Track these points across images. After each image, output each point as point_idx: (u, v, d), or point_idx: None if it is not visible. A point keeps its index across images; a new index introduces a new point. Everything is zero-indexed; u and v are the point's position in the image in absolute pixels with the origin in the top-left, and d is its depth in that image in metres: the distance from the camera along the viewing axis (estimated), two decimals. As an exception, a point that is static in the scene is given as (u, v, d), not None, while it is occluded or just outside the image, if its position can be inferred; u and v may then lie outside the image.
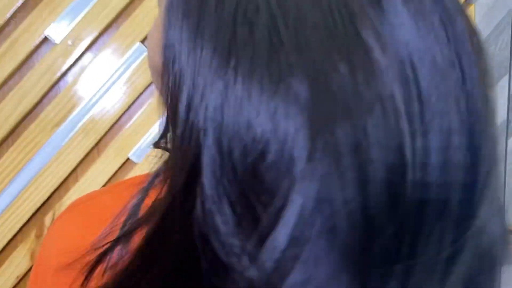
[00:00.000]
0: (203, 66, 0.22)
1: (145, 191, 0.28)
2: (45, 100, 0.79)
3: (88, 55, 0.80)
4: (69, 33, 0.78)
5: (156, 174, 0.28)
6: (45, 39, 0.78)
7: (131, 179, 0.39)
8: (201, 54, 0.22)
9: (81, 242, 0.29)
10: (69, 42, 0.78)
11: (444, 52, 0.21)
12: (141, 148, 0.79)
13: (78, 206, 0.35)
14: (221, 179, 0.21)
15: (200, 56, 0.22)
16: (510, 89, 0.82)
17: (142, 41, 0.80)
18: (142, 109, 0.80)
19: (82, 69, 0.80)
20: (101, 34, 0.79)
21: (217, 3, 0.22)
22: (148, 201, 0.26)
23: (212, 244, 0.21)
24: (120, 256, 0.25)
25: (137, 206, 0.28)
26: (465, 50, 0.22)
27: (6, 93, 0.77)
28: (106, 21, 0.79)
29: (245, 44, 0.21)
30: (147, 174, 0.29)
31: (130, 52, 0.80)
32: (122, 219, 0.28)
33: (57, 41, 0.78)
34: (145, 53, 0.77)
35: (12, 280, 0.77)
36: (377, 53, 0.20)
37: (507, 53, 0.83)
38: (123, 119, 0.81)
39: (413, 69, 0.20)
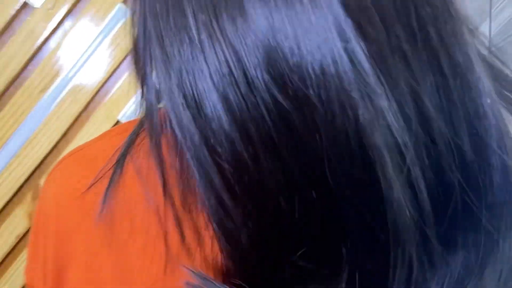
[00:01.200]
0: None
1: (135, 135, 0.32)
2: (29, 67, 0.80)
3: (70, 19, 0.80)
4: None
5: (141, 123, 0.31)
6: (25, 4, 0.78)
7: (118, 126, 0.41)
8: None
9: (79, 186, 0.33)
10: (49, 6, 0.78)
11: None
12: (131, 110, 0.82)
13: (73, 154, 0.38)
14: None
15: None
16: (490, 35, 0.86)
17: (124, 2, 0.80)
18: (129, 71, 0.82)
19: (65, 33, 0.80)
20: None
21: None
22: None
23: None
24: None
25: (128, 145, 0.31)
26: None
27: None
28: None
29: None
30: (133, 121, 0.32)
31: (112, 13, 0.81)
32: (114, 159, 0.31)
33: (37, 5, 0.78)
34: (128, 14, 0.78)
35: (12, 240, 0.81)
36: None
37: None
38: (110, 81, 0.83)
39: None
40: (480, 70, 0.26)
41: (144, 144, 0.31)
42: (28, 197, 0.81)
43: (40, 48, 0.80)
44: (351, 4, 0.22)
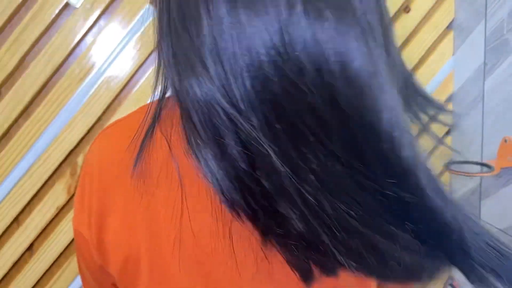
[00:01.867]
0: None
1: (160, 104, 0.39)
2: (70, 59, 0.90)
3: (104, 18, 0.90)
4: None
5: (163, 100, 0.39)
6: (66, 4, 0.88)
7: (148, 104, 0.47)
8: None
9: (119, 147, 0.40)
10: (88, 6, 0.89)
11: None
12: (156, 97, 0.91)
13: (115, 124, 0.45)
14: None
15: None
16: (486, 33, 0.93)
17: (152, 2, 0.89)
18: (154, 64, 0.92)
19: (100, 30, 0.90)
20: None
21: None
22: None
23: None
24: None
25: (155, 116, 0.39)
26: None
27: (37, 53, 0.88)
28: None
29: None
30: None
31: (141, 13, 0.90)
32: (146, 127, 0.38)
33: (77, 5, 0.88)
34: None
35: (53, 211, 0.93)
36: None
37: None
38: (139, 72, 0.92)
39: None
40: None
41: (168, 115, 0.39)
42: (67, 173, 0.92)
43: (78, 43, 0.90)
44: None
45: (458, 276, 1.09)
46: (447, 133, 1.06)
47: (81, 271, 0.51)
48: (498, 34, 0.87)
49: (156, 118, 0.38)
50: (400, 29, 0.99)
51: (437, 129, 0.95)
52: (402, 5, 0.98)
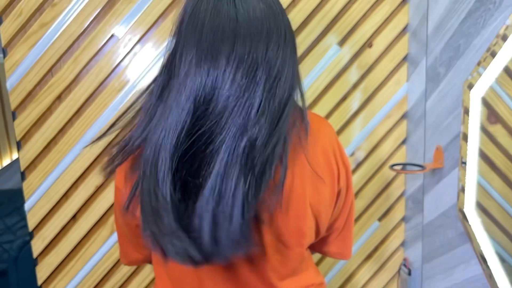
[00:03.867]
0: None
1: None
2: (111, 75, 1.20)
3: (139, 45, 1.20)
4: (127, 31, 1.19)
5: None
6: (112, 35, 1.19)
7: None
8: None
9: None
10: (127, 37, 1.20)
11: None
12: None
13: None
14: None
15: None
16: (426, 66, 1.18)
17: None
18: None
19: (135, 55, 1.21)
20: (147, 31, 1.19)
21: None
22: None
23: None
24: None
25: None
26: None
27: (89, 71, 1.18)
28: (151, 22, 1.18)
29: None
30: None
31: (165, 43, 1.19)
32: None
33: (120, 36, 1.20)
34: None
35: (91, 190, 1.22)
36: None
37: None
38: None
39: None
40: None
41: None
42: (106, 159, 1.21)
43: (118, 64, 1.20)
44: None
45: (410, 256, 1.35)
46: (403, 142, 1.33)
47: (116, 218, 0.72)
48: (434, 67, 1.14)
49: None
50: (365, 60, 1.26)
51: (396, 139, 1.21)
52: (366, 41, 1.26)
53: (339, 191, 0.70)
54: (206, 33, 0.52)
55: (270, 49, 0.53)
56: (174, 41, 0.57)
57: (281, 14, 0.58)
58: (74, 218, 1.24)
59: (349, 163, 0.72)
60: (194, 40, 0.52)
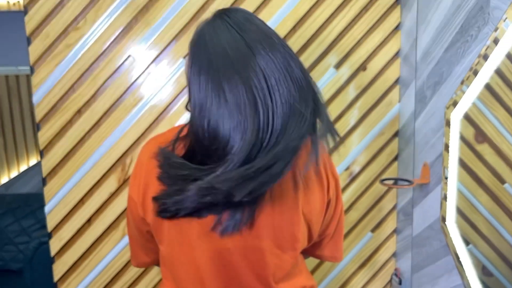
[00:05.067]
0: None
1: (180, 132, 0.67)
2: (127, 92, 1.30)
3: (153, 65, 1.30)
4: (143, 52, 1.29)
5: (183, 127, 0.68)
6: (129, 56, 1.30)
7: (177, 126, 0.74)
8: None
9: (156, 150, 0.66)
10: (142, 59, 1.30)
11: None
12: (183, 121, 1.29)
13: (155, 137, 0.74)
14: None
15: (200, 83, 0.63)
16: (416, 88, 1.26)
17: (184, 57, 1.28)
18: (183, 99, 1.33)
19: (149, 74, 1.31)
20: (161, 52, 1.29)
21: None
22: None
23: None
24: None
25: (178, 134, 0.67)
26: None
27: (106, 88, 1.29)
28: (165, 44, 1.28)
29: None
30: (184, 124, 0.70)
31: (177, 63, 1.30)
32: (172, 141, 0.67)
33: (136, 57, 1.31)
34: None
35: (106, 196, 1.32)
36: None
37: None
38: (172, 104, 1.31)
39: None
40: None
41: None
42: (119, 169, 1.31)
43: (134, 82, 1.30)
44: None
45: (401, 266, 1.42)
46: (395, 158, 1.40)
47: (128, 225, 0.77)
48: (422, 90, 1.23)
49: (179, 135, 0.68)
50: (359, 82, 1.35)
51: (388, 155, 1.28)
52: (361, 65, 1.35)
53: (329, 201, 0.75)
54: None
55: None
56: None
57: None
58: (89, 221, 1.33)
59: (338, 175, 0.78)
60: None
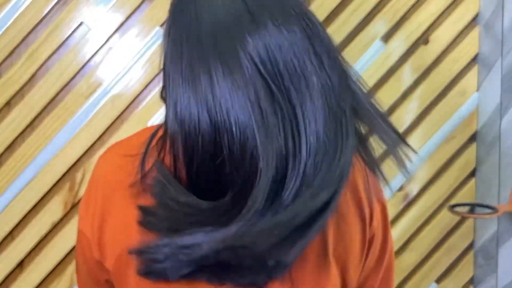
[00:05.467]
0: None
1: (153, 136, 0.53)
2: (79, 75, 1.03)
3: (115, 37, 1.03)
4: (101, 17, 1.02)
5: (158, 128, 0.54)
6: (81, 23, 1.02)
7: (147, 128, 0.63)
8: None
9: (120, 162, 0.55)
10: (100, 27, 1.02)
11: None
12: (159, 118, 1.03)
13: (118, 143, 0.60)
14: None
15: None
16: (502, 71, 1.01)
17: (162, 25, 1.00)
18: (159, 86, 0.97)
19: (110, 49, 1.03)
20: (127, 18, 1.03)
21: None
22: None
23: None
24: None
25: (150, 140, 0.53)
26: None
27: (48, 69, 1.02)
28: (132, 7, 1.02)
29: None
30: (157, 125, 0.55)
31: (151, 35, 1.03)
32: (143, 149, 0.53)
33: (91, 25, 1.02)
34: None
35: (48, 226, 1.03)
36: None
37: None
38: (143, 93, 1.05)
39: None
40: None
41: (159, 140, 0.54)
42: (66, 187, 1.04)
43: (88, 61, 1.03)
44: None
45: None
46: (472, 174, 1.14)
47: (78, 272, 0.65)
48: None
49: (151, 141, 0.53)
50: (419, 62, 1.11)
51: (461, 169, 1.02)
52: (420, 36, 1.10)
53: (372, 236, 0.66)
54: None
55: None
56: None
57: None
58: (21, 265, 1.06)
59: (385, 199, 0.69)
60: None
